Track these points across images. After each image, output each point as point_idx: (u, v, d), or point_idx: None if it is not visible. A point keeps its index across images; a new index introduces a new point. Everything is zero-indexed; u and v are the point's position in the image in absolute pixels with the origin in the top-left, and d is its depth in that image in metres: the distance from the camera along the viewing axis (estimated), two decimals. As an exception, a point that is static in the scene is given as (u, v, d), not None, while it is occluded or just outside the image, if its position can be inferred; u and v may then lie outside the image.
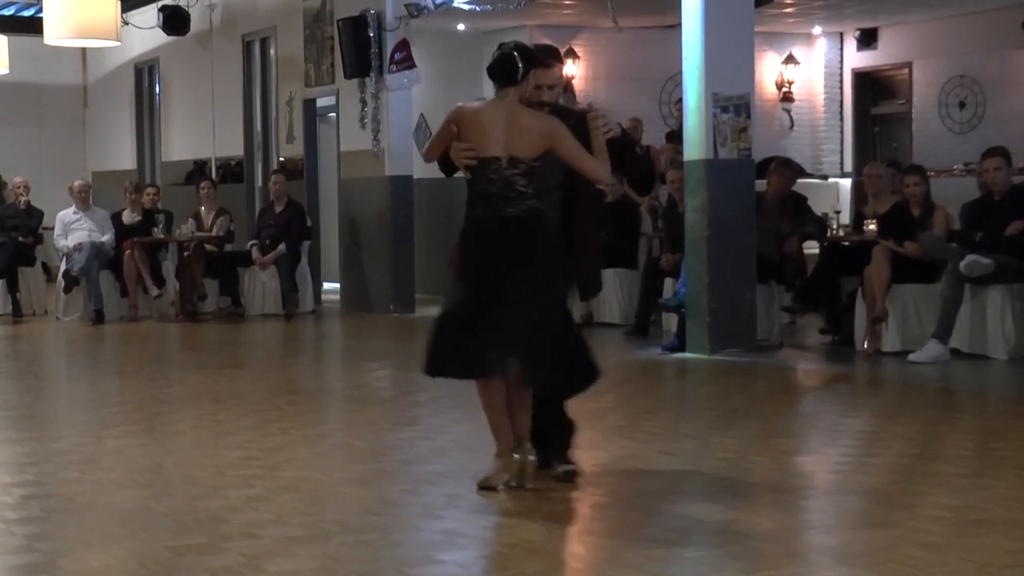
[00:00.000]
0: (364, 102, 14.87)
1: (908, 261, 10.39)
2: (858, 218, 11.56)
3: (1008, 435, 7.16)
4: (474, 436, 6.85)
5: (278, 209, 15.11)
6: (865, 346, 10.48)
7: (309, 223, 15.41)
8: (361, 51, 14.74)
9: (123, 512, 5.63)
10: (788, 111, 18.10)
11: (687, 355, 10.63)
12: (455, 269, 5.86)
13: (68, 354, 12.56)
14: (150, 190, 16.08)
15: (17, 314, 15.30)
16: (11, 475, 6.53)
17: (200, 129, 19.15)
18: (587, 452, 6.71)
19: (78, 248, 14.86)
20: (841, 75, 18.40)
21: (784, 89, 18.03)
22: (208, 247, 15.01)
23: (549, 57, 6.01)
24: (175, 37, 18.61)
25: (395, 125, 14.40)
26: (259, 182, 17.66)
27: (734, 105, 10.79)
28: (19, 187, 16.15)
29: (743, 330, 10.74)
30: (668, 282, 11.81)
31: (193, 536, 5.11)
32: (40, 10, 16.24)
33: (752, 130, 10.95)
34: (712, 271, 10.65)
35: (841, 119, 18.49)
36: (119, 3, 15.12)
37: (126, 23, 17.28)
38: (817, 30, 17.89)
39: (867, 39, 17.88)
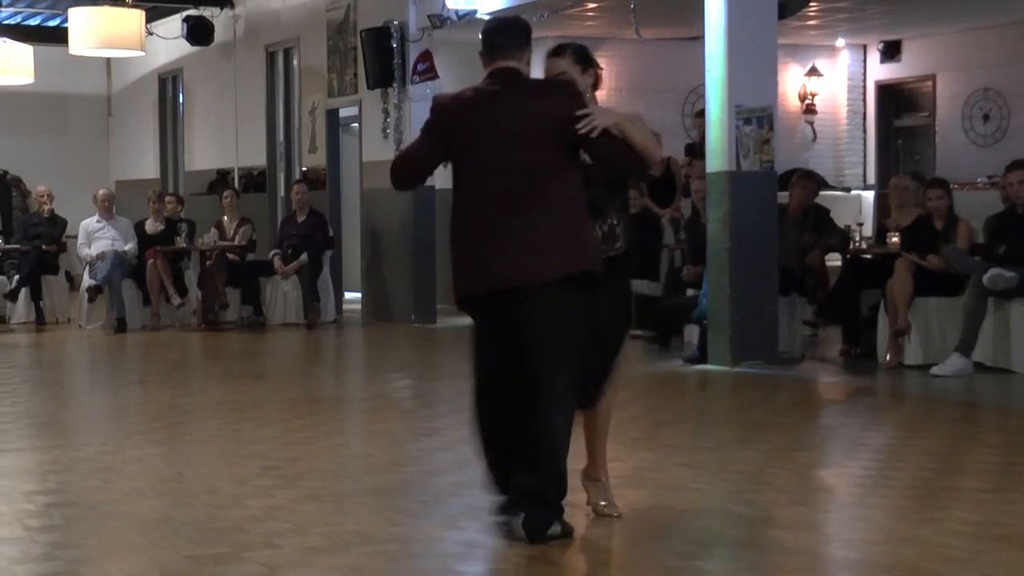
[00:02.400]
0: (387, 112, 14.90)
1: (931, 274, 10.36)
2: (881, 231, 11.53)
3: (1031, 450, 7.13)
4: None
5: (300, 219, 15.14)
6: (887, 359, 10.45)
7: (331, 233, 15.44)
8: (384, 62, 14.77)
9: (144, 521, 5.65)
10: (811, 123, 18.07)
11: (708, 367, 10.62)
12: None
13: (90, 362, 12.60)
14: (172, 199, 16.15)
15: (40, 322, 15.37)
16: (34, 483, 6.56)
17: (223, 139, 19.21)
18: (608, 463, 6.70)
19: (101, 257, 14.91)
20: (864, 87, 18.37)
21: (807, 101, 18.01)
22: (230, 256, 15.05)
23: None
24: (199, 47, 18.69)
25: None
26: (281, 192, 17.71)
27: (757, 117, 10.78)
28: (43, 196, 16.23)
29: (765, 342, 10.72)
30: (690, 293, 11.80)
31: (214, 546, 5.12)
32: (65, 20, 16.33)
33: (775, 142, 10.94)
34: (734, 283, 10.64)
35: (864, 131, 18.45)
36: (143, 14, 15.19)
37: (150, 33, 17.36)
38: (840, 42, 17.87)
39: (891, 51, 17.84)
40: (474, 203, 5.23)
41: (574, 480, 5.35)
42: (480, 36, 5.55)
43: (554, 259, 5.12)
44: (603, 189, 5.44)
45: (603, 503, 5.50)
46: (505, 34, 5.48)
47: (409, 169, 5.51)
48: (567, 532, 5.13)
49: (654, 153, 5.39)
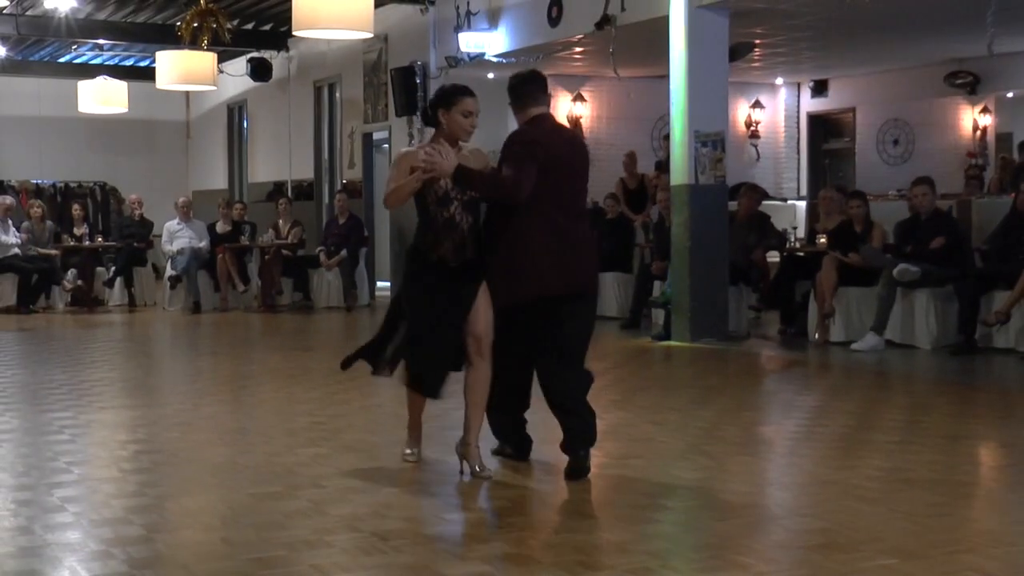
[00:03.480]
0: (411, 135, 14.89)
1: (851, 268, 10.36)
2: (811, 233, 11.51)
3: (931, 410, 7.12)
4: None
5: (341, 221, 15.15)
6: (816, 337, 10.45)
7: (366, 233, 15.45)
8: (410, 94, 14.77)
9: (214, 465, 5.65)
10: (755, 146, 18.05)
11: (672, 343, 10.61)
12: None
13: (171, 338, 12.61)
14: (238, 205, 16.15)
15: (132, 305, 15.40)
16: (126, 434, 6.56)
17: (279, 156, 19.20)
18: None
19: (180, 252, 14.93)
20: (798, 117, 18.35)
21: (752, 128, 17.99)
22: (284, 252, 15.06)
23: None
24: (260, 83, 18.68)
25: (436, 155, 14.37)
26: (326, 200, 17.72)
27: (711, 140, 10.77)
28: (135, 202, 16.25)
29: (717, 323, 10.73)
30: (657, 284, 11.79)
31: (270, 485, 5.11)
32: (153, 61, 16.33)
33: (726, 161, 10.93)
34: (693, 275, 10.64)
35: (798, 152, 18.43)
36: (216, 56, 15.18)
37: (221, 71, 17.34)
38: (779, 81, 17.85)
39: (819, 88, 17.82)
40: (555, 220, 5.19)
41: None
42: (510, 87, 5.37)
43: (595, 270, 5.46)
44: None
45: (478, 468, 5.22)
46: (530, 85, 5.36)
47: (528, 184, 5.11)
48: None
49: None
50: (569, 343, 5.23)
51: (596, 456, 5.81)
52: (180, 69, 14.68)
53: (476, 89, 5.37)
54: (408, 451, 5.56)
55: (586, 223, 5.40)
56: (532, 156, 5.06)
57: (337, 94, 17.60)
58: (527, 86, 5.34)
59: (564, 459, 5.25)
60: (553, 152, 5.13)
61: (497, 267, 5.17)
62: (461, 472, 5.26)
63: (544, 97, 5.34)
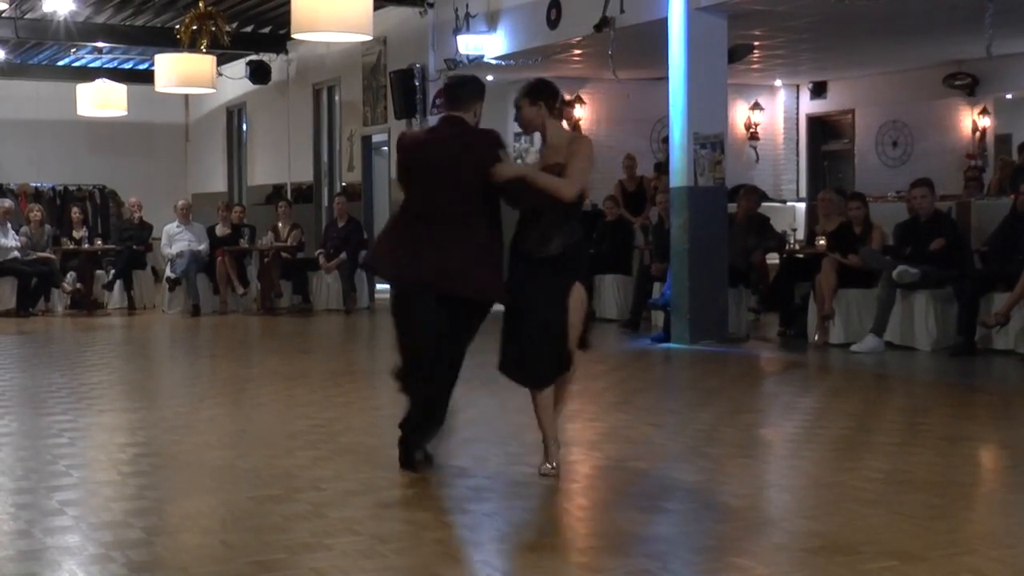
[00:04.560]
0: (411, 138, 14.88)
1: (851, 270, 10.36)
2: (811, 235, 11.52)
3: (930, 412, 7.13)
4: (498, 409, 6.86)
5: (340, 224, 15.14)
6: (816, 339, 10.45)
7: (365, 236, 15.43)
8: (409, 97, 14.77)
9: (214, 468, 5.64)
10: (754, 147, 18.06)
11: (671, 345, 10.61)
12: None
13: (171, 340, 12.61)
14: (238, 208, 16.15)
15: (131, 308, 15.40)
16: (125, 437, 6.56)
17: (278, 159, 19.21)
18: (589, 423, 6.71)
19: (180, 255, 14.92)
20: (797, 119, 18.36)
21: (751, 130, 17.99)
22: (284, 255, 15.06)
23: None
24: (259, 85, 18.71)
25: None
26: (325, 202, 17.73)
27: (711, 142, 10.77)
28: (134, 205, 16.25)
29: (717, 325, 10.73)
30: (656, 286, 11.79)
31: (270, 488, 5.11)
32: (152, 64, 16.34)
33: (725, 163, 10.93)
34: (692, 277, 10.64)
35: (797, 154, 18.43)
36: (215, 59, 15.19)
37: (220, 74, 17.35)
38: (778, 82, 17.85)
39: (818, 90, 17.83)
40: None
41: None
42: (442, 87, 5.54)
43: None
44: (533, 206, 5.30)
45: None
46: (460, 90, 5.44)
47: None
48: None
49: (561, 191, 5.11)
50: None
51: (596, 457, 5.83)
52: (179, 72, 14.69)
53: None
54: (548, 465, 5.27)
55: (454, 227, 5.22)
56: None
57: (336, 97, 17.61)
58: (455, 90, 5.47)
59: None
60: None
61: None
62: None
63: (465, 105, 5.36)
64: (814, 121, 18.27)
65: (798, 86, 18.14)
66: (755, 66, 15.63)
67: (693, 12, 10.67)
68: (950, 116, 16.46)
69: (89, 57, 20.48)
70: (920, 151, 16.57)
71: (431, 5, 14.85)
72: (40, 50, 19.55)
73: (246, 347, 11.83)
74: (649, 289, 11.93)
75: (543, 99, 5.32)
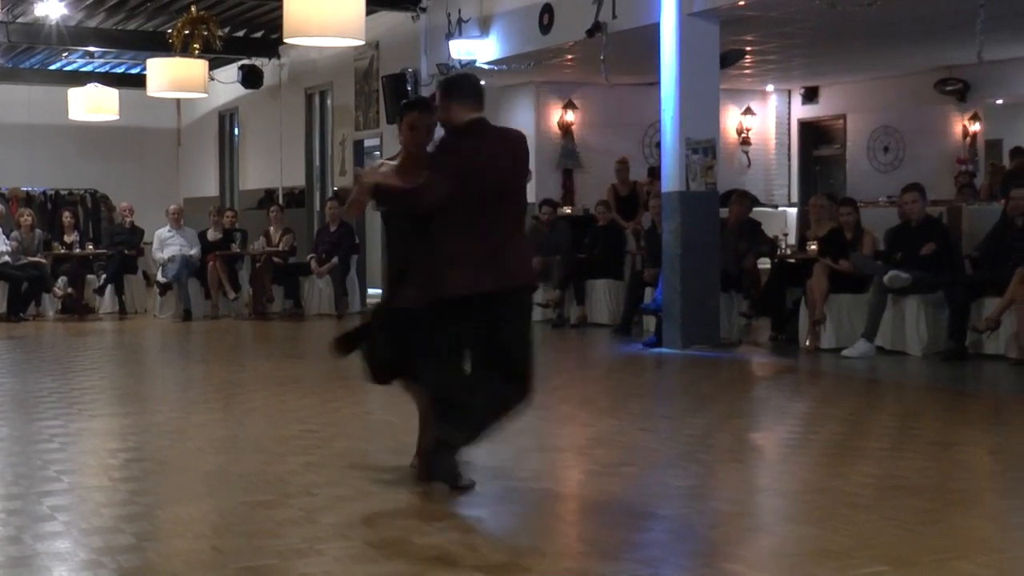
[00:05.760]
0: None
1: (842, 275, 10.38)
2: (802, 240, 11.53)
3: (922, 417, 7.14)
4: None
5: (332, 229, 15.13)
6: (807, 343, 10.46)
7: (357, 240, 15.43)
8: (401, 101, 14.74)
9: (205, 473, 5.64)
10: (746, 152, 18.07)
11: (663, 350, 10.62)
12: None
13: (162, 345, 12.58)
14: (229, 213, 16.13)
15: (122, 312, 15.36)
16: (116, 442, 6.55)
17: (270, 164, 19.20)
18: (581, 428, 6.71)
19: (171, 259, 14.90)
20: (789, 124, 18.38)
21: (743, 135, 18.00)
22: (276, 259, 15.04)
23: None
24: (251, 90, 18.69)
25: (427, 162, 14.36)
26: (317, 207, 17.71)
27: (702, 147, 10.78)
28: (125, 210, 16.21)
29: (709, 330, 10.74)
30: (648, 290, 11.80)
31: (262, 494, 5.10)
32: (143, 69, 16.33)
33: (717, 168, 10.94)
34: (684, 282, 10.65)
35: (789, 159, 18.45)
36: (207, 63, 15.19)
37: (212, 79, 17.33)
38: (770, 88, 17.88)
39: (810, 95, 17.85)
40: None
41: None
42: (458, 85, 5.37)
43: None
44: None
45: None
46: (478, 87, 5.39)
47: None
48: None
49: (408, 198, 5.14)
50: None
51: (587, 463, 5.83)
52: (171, 76, 14.68)
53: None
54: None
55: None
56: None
57: (328, 101, 17.60)
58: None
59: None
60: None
61: None
62: None
63: (478, 102, 5.29)
64: (806, 126, 18.29)
65: (790, 91, 18.16)
66: (747, 71, 15.65)
67: (685, 17, 10.69)
68: (941, 121, 16.50)
69: (81, 61, 20.46)
70: (911, 156, 16.61)
71: (423, 10, 14.86)
72: (32, 54, 19.52)
73: (238, 352, 11.81)
74: (641, 294, 11.94)
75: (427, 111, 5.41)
